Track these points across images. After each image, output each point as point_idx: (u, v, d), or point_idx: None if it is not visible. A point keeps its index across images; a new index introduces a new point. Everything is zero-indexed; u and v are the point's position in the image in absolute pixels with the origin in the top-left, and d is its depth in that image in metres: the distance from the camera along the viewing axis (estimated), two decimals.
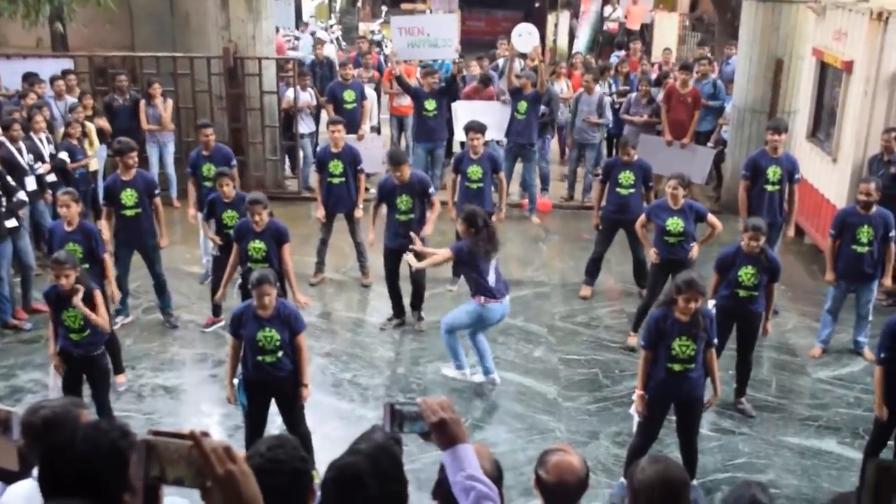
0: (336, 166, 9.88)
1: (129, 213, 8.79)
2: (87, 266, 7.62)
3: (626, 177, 9.71)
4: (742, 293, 7.58)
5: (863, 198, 8.40)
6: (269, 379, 6.42)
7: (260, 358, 6.33)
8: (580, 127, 13.04)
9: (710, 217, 8.81)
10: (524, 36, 12.77)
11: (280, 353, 6.36)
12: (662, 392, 6.40)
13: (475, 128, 9.96)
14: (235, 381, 6.73)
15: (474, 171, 9.82)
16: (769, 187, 9.38)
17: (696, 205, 8.87)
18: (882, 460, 1.73)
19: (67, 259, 6.76)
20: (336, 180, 9.94)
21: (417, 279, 9.16)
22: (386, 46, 19.34)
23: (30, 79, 11.55)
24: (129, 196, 8.75)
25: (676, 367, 6.29)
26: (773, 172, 9.34)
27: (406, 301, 9.38)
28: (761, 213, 9.00)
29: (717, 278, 7.70)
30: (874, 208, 8.45)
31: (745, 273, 7.52)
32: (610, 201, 9.86)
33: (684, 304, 6.16)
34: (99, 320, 6.89)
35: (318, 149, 10.25)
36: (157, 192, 9.04)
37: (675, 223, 8.49)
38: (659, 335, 6.31)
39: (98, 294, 6.98)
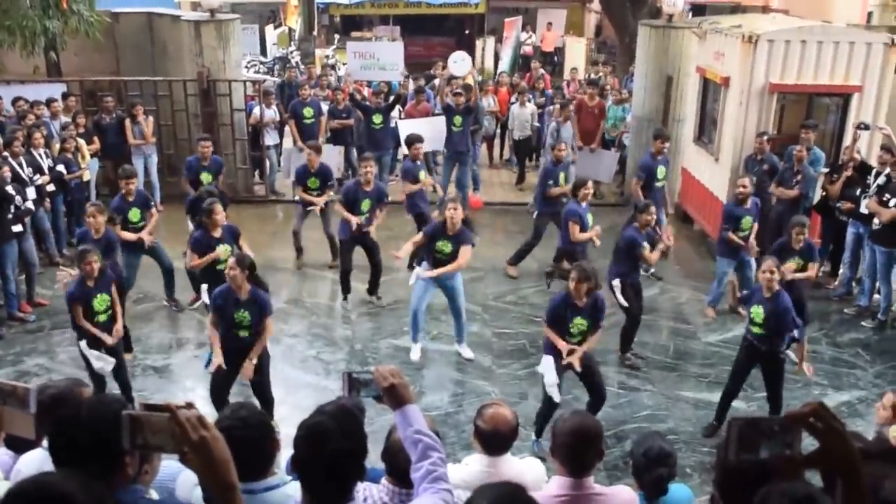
0: (313, 182, 10.06)
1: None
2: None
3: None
4: None
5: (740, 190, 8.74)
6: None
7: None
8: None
9: None
10: (459, 62, 12.83)
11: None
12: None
13: (416, 140, 10.28)
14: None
15: (423, 174, 10.36)
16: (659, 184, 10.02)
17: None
18: (739, 418, 1.69)
19: (91, 250, 6.75)
20: (314, 193, 10.09)
21: (376, 264, 9.28)
22: (339, 69, 19.18)
23: (18, 102, 11.33)
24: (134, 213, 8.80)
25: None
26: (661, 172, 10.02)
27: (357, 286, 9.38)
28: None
29: None
30: (750, 200, 8.75)
31: None
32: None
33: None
34: (119, 310, 7.03)
35: (298, 167, 10.32)
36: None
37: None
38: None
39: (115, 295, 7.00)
